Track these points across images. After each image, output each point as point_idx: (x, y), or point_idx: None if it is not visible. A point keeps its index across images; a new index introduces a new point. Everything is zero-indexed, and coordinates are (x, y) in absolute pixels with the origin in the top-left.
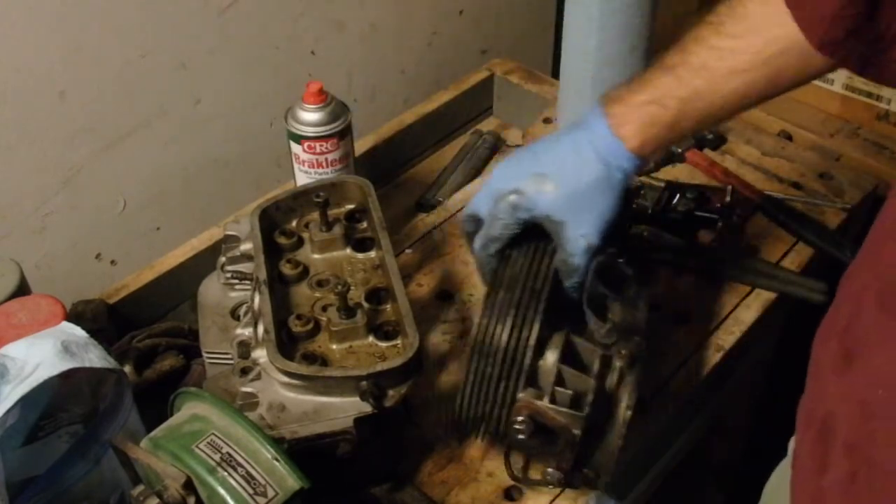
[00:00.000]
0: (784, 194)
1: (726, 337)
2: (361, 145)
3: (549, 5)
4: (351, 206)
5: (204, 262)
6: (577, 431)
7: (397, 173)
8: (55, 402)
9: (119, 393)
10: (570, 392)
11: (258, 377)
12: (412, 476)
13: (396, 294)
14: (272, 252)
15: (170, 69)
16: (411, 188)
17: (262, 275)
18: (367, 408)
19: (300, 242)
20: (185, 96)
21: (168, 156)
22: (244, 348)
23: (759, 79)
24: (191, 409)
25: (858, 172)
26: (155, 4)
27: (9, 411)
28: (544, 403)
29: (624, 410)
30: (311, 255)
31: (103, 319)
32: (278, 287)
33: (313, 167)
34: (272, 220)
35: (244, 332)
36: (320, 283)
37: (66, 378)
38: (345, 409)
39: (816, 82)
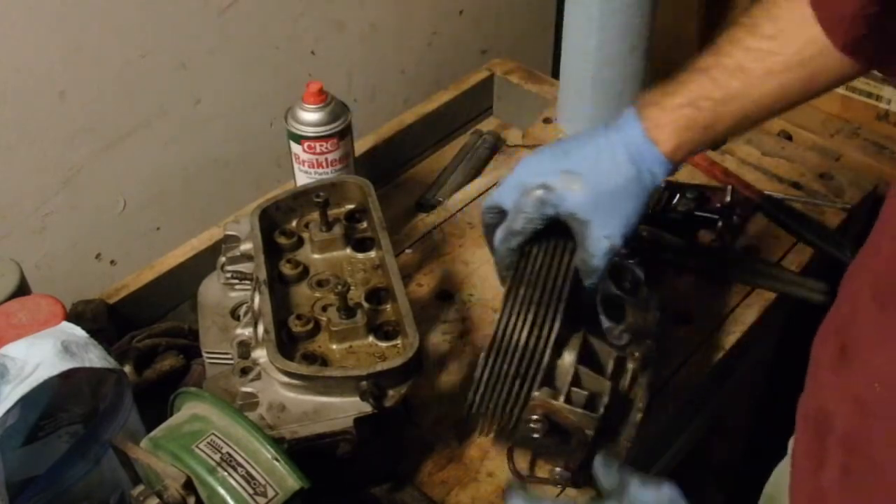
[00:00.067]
0: (784, 194)
1: (726, 337)
2: (361, 145)
3: (549, 5)
4: (351, 206)
5: (204, 262)
6: (590, 432)
7: (397, 173)
8: (55, 402)
9: (119, 393)
10: (585, 393)
11: (258, 377)
12: (412, 476)
13: (396, 294)
14: (272, 252)
15: (170, 69)
16: (411, 188)
17: (262, 275)
18: (367, 408)
19: (300, 242)
20: (185, 96)
21: (168, 156)
22: (244, 348)
23: (795, 80)
24: (191, 409)
25: (858, 172)
26: (155, 4)
27: (9, 411)
28: (560, 403)
29: (636, 413)
30: (311, 255)
31: (103, 319)
32: (278, 287)
33: (313, 167)
34: (272, 220)
35: (244, 332)
36: (320, 283)
37: (66, 378)
38: (345, 409)
39: None
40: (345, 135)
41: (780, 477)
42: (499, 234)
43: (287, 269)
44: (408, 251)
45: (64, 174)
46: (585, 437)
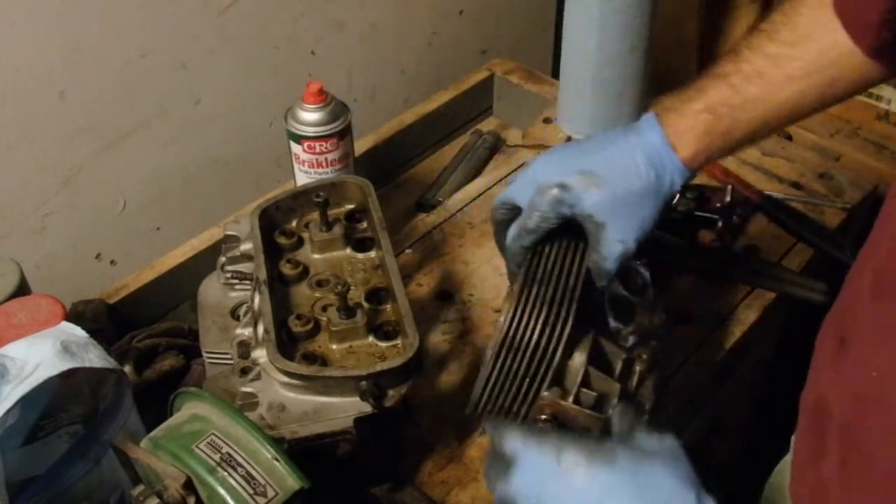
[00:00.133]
0: (784, 194)
1: (726, 337)
2: (361, 145)
3: (549, 5)
4: (351, 206)
5: (204, 262)
6: (597, 434)
7: (397, 173)
8: (55, 402)
9: (119, 393)
10: (594, 394)
11: (258, 377)
12: (412, 476)
13: (396, 294)
14: (272, 252)
15: (170, 69)
16: (411, 188)
17: (262, 275)
18: (367, 408)
19: (300, 242)
20: (185, 96)
21: (168, 156)
22: (244, 348)
23: (815, 86)
24: (191, 409)
25: (858, 172)
26: (155, 4)
27: (9, 411)
28: (569, 404)
29: (642, 414)
30: (311, 255)
31: (103, 319)
32: (278, 287)
33: (313, 167)
34: (272, 220)
35: (244, 332)
36: (320, 283)
37: (66, 378)
38: (345, 409)
39: None
40: (345, 135)
41: (781, 476)
42: (511, 231)
43: (287, 269)
44: (408, 251)
45: (64, 174)
46: None
